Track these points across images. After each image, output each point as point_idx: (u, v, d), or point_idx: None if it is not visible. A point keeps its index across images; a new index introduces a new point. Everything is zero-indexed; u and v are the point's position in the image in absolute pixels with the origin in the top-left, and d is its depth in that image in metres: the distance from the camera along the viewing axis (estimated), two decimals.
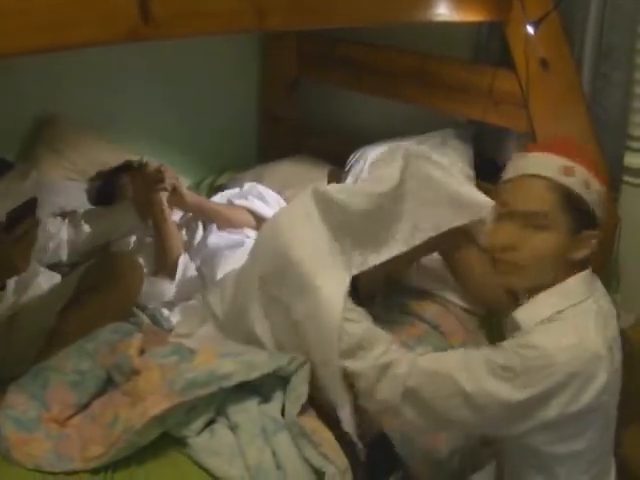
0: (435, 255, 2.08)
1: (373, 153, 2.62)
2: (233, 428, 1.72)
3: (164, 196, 2.44)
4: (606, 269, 2.35)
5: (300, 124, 3.19)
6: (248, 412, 1.74)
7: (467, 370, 1.53)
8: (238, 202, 2.59)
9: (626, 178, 2.48)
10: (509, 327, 1.64)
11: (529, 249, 1.55)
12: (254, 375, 1.74)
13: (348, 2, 1.82)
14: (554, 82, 2.36)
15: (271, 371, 1.75)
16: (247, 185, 2.71)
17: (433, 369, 1.60)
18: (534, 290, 1.58)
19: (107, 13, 1.34)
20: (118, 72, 2.80)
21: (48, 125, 2.76)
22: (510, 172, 1.62)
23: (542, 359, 1.44)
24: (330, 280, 1.77)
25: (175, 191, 2.47)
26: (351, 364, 1.69)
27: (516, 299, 1.69)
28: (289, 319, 1.80)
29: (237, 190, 2.70)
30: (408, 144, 2.49)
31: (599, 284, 1.62)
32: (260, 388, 1.79)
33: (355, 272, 1.83)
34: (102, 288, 2.00)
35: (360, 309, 1.77)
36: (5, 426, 1.66)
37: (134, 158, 2.66)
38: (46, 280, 2.20)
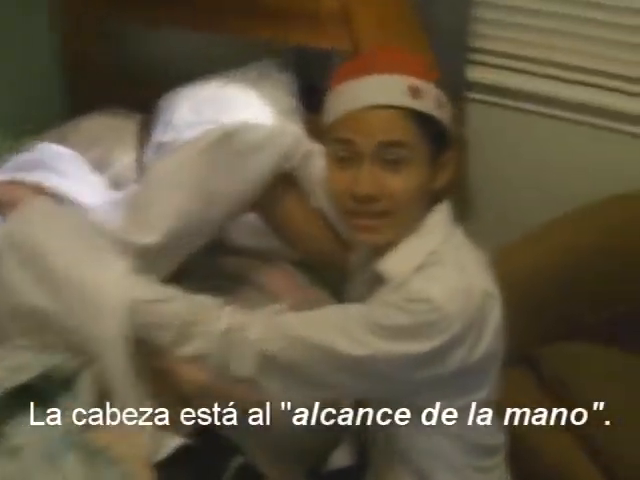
0: None
1: (182, 98, 2.32)
2: (13, 452, 1.38)
3: None
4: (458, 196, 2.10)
5: (112, 70, 2.76)
6: (29, 429, 1.40)
7: (344, 334, 1.27)
8: (28, 178, 2.02)
9: (471, 95, 2.27)
10: (369, 282, 1.39)
11: (392, 194, 1.29)
12: (22, 378, 1.40)
13: None
14: None
15: (43, 371, 1.42)
16: (39, 147, 2.23)
17: (297, 333, 1.32)
18: (399, 236, 1.34)
19: None
20: None
21: None
22: (344, 105, 1.32)
23: (434, 312, 1.24)
24: (102, 265, 1.47)
25: None
26: (189, 348, 1.37)
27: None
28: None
29: (25, 157, 2.17)
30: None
31: None
32: (40, 395, 1.44)
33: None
34: None
35: (166, 286, 1.46)
36: None
37: None
38: None
